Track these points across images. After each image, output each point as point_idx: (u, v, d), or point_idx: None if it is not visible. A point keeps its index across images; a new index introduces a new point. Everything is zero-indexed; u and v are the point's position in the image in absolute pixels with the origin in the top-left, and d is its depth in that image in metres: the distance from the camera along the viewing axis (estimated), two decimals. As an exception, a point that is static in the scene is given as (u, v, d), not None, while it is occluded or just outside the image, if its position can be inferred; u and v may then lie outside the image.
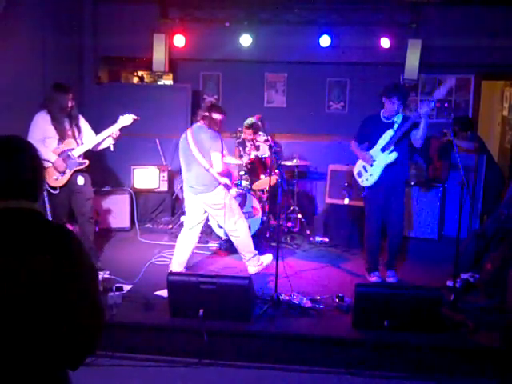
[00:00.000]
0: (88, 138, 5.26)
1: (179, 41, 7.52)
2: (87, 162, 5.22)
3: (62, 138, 5.08)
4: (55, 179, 5.05)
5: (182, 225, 6.69)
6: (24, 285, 1.67)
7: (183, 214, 6.91)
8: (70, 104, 5.11)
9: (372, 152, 5.11)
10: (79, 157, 5.18)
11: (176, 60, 7.95)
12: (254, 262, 5.23)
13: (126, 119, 5.26)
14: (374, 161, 5.10)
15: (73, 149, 5.14)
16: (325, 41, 7.31)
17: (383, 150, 5.04)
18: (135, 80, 9.16)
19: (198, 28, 7.57)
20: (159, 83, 8.63)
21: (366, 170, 5.20)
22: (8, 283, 1.67)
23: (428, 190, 6.68)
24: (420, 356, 3.88)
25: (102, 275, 4.75)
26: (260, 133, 6.63)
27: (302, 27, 7.46)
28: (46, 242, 1.71)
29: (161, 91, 7.92)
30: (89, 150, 5.23)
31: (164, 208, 7.22)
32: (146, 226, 6.91)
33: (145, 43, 7.40)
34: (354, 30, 7.42)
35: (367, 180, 5.19)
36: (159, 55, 7.46)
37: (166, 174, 7.20)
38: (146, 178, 7.17)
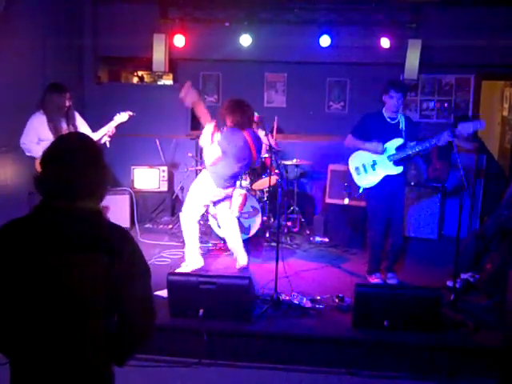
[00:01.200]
0: None
1: (179, 41, 7.52)
2: None
3: None
4: None
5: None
6: (79, 282, 1.70)
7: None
8: (67, 103, 5.12)
9: (377, 155, 4.96)
10: None
11: (176, 60, 7.95)
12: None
13: (121, 117, 5.32)
14: (375, 164, 4.96)
15: None
16: (325, 41, 7.31)
17: (390, 158, 4.93)
18: (135, 80, 9.16)
19: (197, 28, 7.58)
20: (159, 83, 8.64)
21: (365, 171, 5.05)
22: (64, 279, 1.70)
23: (428, 190, 6.68)
24: (420, 356, 3.88)
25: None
26: (260, 130, 6.66)
27: (302, 27, 7.46)
28: (102, 241, 1.74)
29: (161, 91, 7.93)
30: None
31: (164, 208, 7.22)
32: (146, 226, 6.91)
33: (145, 43, 7.40)
34: (354, 30, 7.42)
35: (367, 184, 5.05)
36: (159, 55, 7.46)
37: (166, 174, 7.20)
38: (146, 178, 7.18)
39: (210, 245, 6.17)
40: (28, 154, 5.06)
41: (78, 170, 1.79)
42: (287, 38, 7.39)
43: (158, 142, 7.44)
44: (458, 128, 4.49)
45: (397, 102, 4.87)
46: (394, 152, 4.92)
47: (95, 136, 5.24)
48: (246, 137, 5.00)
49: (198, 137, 6.82)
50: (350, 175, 5.20)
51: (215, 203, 5.32)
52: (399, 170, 4.92)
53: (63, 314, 1.71)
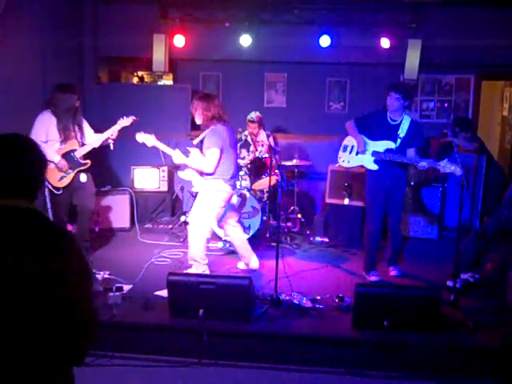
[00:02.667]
0: (89, 138, 5.31)
1: (179, 41, 7.52)
2: (89, 162, 5.27)
3: (65, 139, 5.11)
4: (59, 180, 5.09)
5: (181, 225, 6.73)
6: (15, 284, 1.67)
7: (183, 213, 6.94)
8: (77, 104, 5.15)
9: (366, 146, 5.17)
10: (81, 157, 5.21)
11: (176, 60, 7.95)
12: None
13: (125, 121, 5.33)
14: (364, 151, 5.15)
15: (76, 149, 5.19)
16: (325, 41, 7.31)
17: (373, 154, 5.08)
18: (135, 80, 9.16)
19: (197, 28, 7.57)
20: (159, 83, 8.63)
21: (350, 152, 5.32)
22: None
23: (428, 190, 6.68)
24: (420, 356, 3.87)
25: (101, 275, 4.76)
26: (261, 130, 6.68)
27: (302, 27, 7.46)
28: (37, 241, 1.71)
29: (161, 91, 7.92)
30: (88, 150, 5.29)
31: (164, 208, 7.22)
32: (146, 226, 6.91)
33: (145, 43, 7.40)
34: (354, 30, 7.42)
35: (343, 162, 5.38)
36: (159, 55, 7.46)
37: (166, 174, 7.20)
38: (146, 177, 7.17)
39: (211, 245, 6.17)
40: None
41: (10, 166, 1.77)
42: (287, 38, 7.39)
43: (158, 142, 7.43)
44: (440, 164, 4.73)
45: (394, 101, 4.96)
46: (381, 151, 5.04)
47: (97, 140, 5.27)
48: (229, 130, 4.95)
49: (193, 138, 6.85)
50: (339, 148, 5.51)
51: (221, 217, 5.12)
52: (374, 167, 5.11)
53: (3, 321, 1.67)
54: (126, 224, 6.80)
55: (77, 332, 1.74)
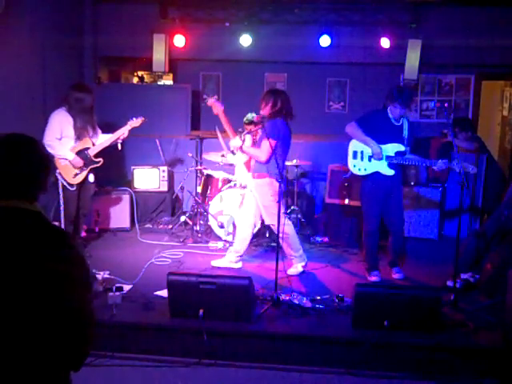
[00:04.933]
0: (100, 138, 5.48)
1: (179, 41, 7.52)
2: (102, 160, 5.46)
3: (79, 137, 5.26)
4: (73, 177, 5.28)
5: (181, 225, 6.73)
6: (14, 285, 1.65)
7: (183, 213, 6.95)
8: (92, 104, 5.29)
9: None
10: (94, 156, 5.41)
11: (176, 60, 7.95)
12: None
13: (135, 122, 5.56)
14: (381, 158, 5.01)
15: (89, 148, 5.39)
16: (325, 41, 7.31)
17: (387, 159, 5.00)
18: (135, 80, 9.16)
19: (197, 28, 7.57)
20: (159, 83, 8.63)
21: (362, 158, 5.11)
22: (2, 285, 1.65)
23: (428, 190, 6.68)
24: (420, 356, 3.88)
25: (101, 275, 4.76)
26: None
27: (302, 27, 7.46)
28: (37, 243, 1.69)
29: (161, 91, 7.92)
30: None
31: (164, 208, 7.21)
32: (146, 226, 6.90)
33: (145, 43, 7.40)
34: (354, 30, 7.43)
35: (359, 170, 5.14)
36: (159, 55, 7.46)
37: (165, 174, 7.19)
38: (146, 177, 7.17)
39: (211, 245, 6.18)
40: (51, 151, 5.12)
41: (8, 166, 1.75)
42: (287, 38, 7.39)
43: (158, 142, 7.44)
44: (453, 163, 4.82)
45: (399, 111, 4.96)
46: (393, 155, 4.99)
47: (110, 138, 5.44)
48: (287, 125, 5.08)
49: (199, 137, 6.86)
50: (346, 156, 5.27)
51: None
52: (391, 172, 5.02)
53: (2, 320, 1.66)
54: (126, 224, 6.80)
55: (76, 335, 1.72)
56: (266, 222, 5.30)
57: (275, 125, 4.97)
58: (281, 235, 4.79)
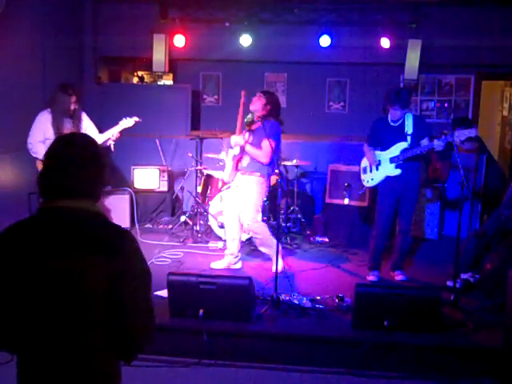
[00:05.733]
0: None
1: (179, 41, 7.52)
2: None
3: None
4: None
5: (181, 225, 6.74)
6: (80, 284, 1.70)
7: (183, 213, 6.95)
8: (72, 107, 5.18)
9: (381, 157, 5.13)
10: None
11: (176, 60, 7.95)
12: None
13: (127, 122, 5.38)
14: (378, 164, 5.12)
15: None
16: (325, 41, 7.31)
17: (392, 160, 5.04)
18: (135, 80, 9.16)
19: (197, 28, 7.57)
20: (159, 83, 8.63)
21: (370, 171, 5.25)
22: (66, 281, 1.70)
23: (428, 190, 6.68)
24: (420, 356, 3.88)
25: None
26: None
27: (302, 27, 7.46)
28: (98, 242, 1.73)
29: (161, 91, 7.92)
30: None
31: (164, 208, 7.22)
32: (146, 226, 6.91)
33: (145, 43, 7.40)
34: (354, 30, 7.43)
35: (368, 182, 5.29)
36: (159, 55, 7.46)
37: (165, 174, 7.20)
38: (146, 177, 7.17)
39: (210, 245, 6.18)
40: (34, 155, 5.09)
41: (77, 168, 1.79)
42: (287, 38, 7.39)
43: (158, 142, 7.44)
44: (454, 134, 4.67)
45: (400, 113, 4.99)
46: (398, 154, 5.01)
47: (100, 138, 5.30)
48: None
49: (200, 137, 6.85)
50: (359, 175, 5.45)
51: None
52: (397, 171, 5.03)
53: (65, 315, 1.71)
54: (126, 224, 6.79)
55: (134, 332, 1.77)
56: (242, 220, 5.22)
57: (274, 126, 5.02)
58: (253, 235, 5.09)
